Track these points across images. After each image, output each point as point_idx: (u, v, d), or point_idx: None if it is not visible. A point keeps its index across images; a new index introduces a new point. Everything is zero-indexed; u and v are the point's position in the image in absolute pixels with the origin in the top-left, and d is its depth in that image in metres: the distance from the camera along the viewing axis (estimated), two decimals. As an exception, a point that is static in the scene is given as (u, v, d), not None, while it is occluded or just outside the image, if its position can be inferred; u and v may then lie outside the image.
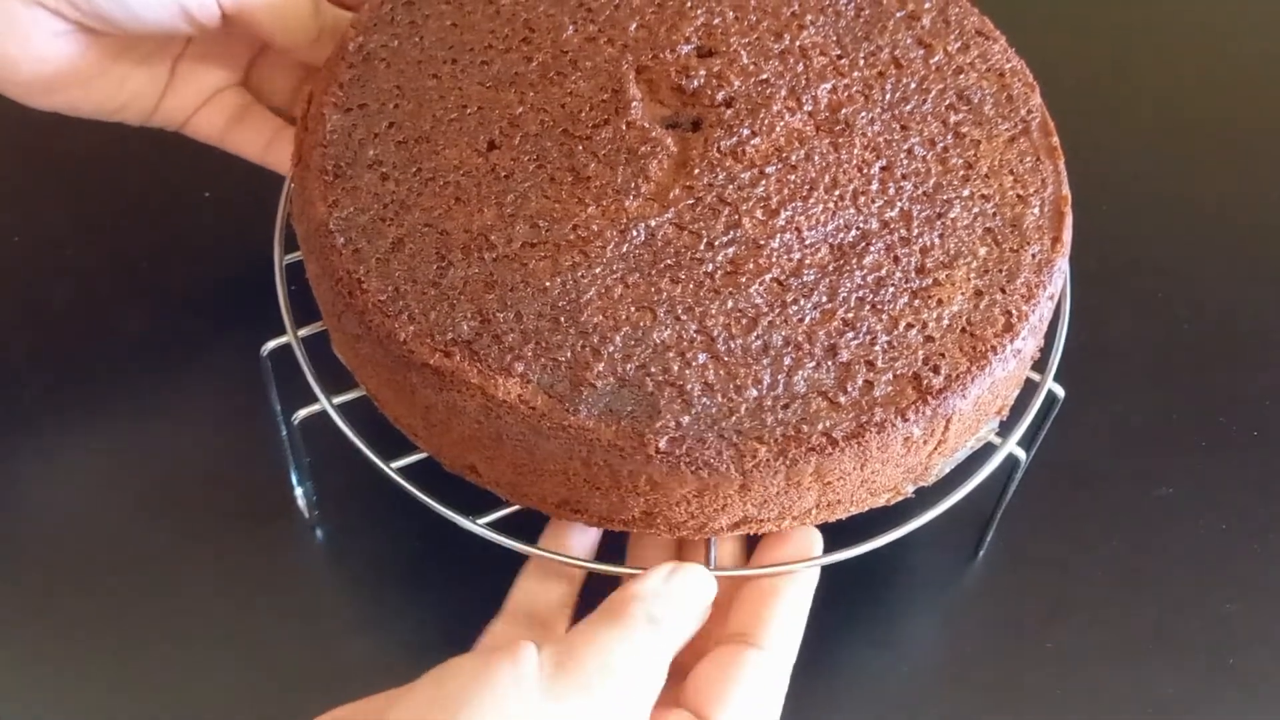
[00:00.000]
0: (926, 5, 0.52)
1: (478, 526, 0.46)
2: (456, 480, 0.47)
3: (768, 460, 0.42)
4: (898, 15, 0.52)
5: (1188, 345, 0.63)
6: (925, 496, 0.47)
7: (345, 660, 0.52)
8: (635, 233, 0.44)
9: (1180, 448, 0.60)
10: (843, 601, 0.52)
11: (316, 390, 0.48)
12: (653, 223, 0.45)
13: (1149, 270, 0.65)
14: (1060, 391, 0.50)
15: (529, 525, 0.47)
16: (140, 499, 0.56)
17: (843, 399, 0.43)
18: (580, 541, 0.47)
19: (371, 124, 0.47)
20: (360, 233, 0.45)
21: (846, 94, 0.49)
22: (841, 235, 0.45)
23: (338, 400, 0.48)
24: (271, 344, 0.49)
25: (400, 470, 0.47)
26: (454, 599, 0.53)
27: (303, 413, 0.48)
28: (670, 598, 0.43)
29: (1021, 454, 0.49)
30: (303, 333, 0.49)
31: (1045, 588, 0.56)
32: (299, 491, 0.55)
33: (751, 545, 0.47)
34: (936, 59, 0.51)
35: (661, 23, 0.50)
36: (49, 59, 0.51)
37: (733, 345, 0.43)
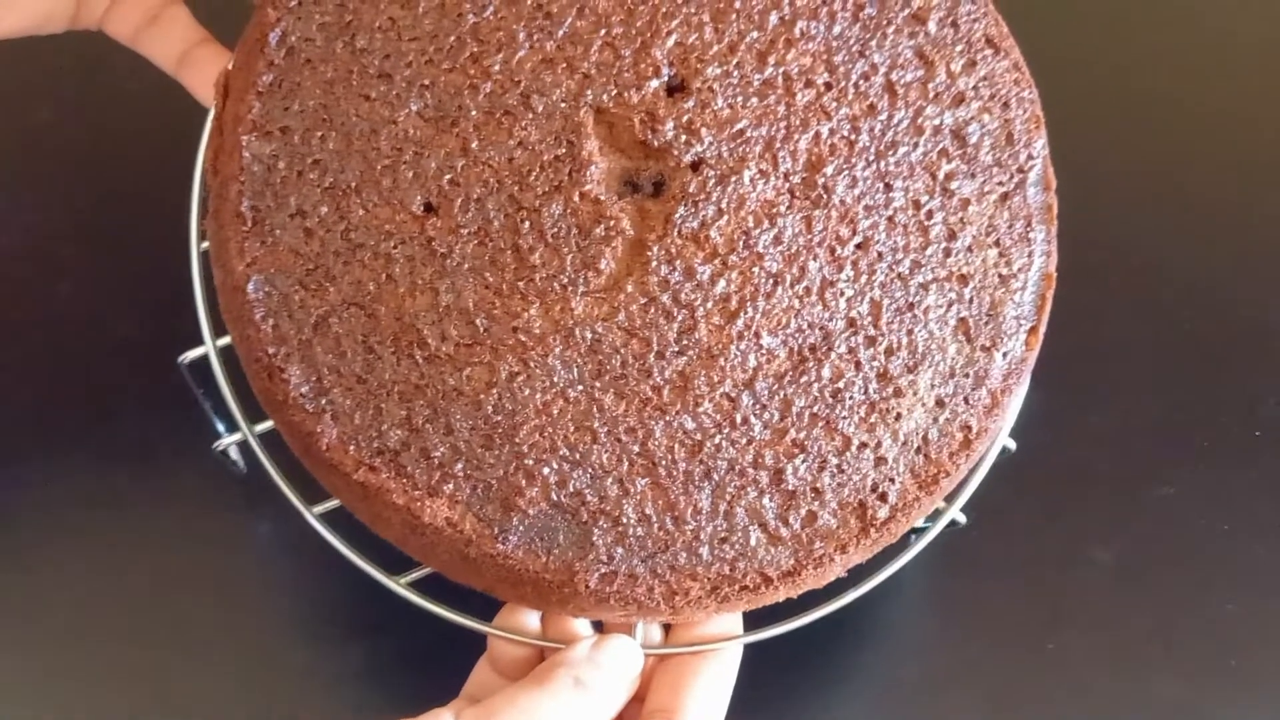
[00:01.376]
0: (935, 1, 0.46)
1: (400, 588, 0.45)
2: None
3: (699, 598, 0.41)
4: (901, 15, 0.45)
5: (1188, 345, 0.61)
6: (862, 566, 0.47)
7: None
8: (580, 338, 0.41)
9: (1181, 448, 0.59)
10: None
11: (238, 416, 0.45)
12: (599, 328, 0.41)
13: (1150, 269, 0.62)
14: (1012, 445, 0.48)
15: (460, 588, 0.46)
16: (138, 499, 0.55)
17: (784, 531, 0.41)
18: (534, 620, 0.45)
19: (294, 159, 0.42)
20: (281, 303, 0.41)
21: (829, 144, 0.44)
22: (802, 337, 0.42)
23: (261, 428, 0.46)
24: (190, 355, 0.46)
25: (323, 516, 0.45)
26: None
27: (225, 441, 0.46)
28: (598, 664, 0.43)
29: (963, 518, 0.48)
30: (223, 342, 0.46)
31: (1046, 588, 0.56)
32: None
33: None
34: (936, 82, 0.45)
35: (629, 41, 0.43)
36: None
37: (674, 471, 0.41)
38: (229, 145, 0.43)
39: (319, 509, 0.45)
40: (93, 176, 0.61)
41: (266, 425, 0.45)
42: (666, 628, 0.45)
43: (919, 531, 0.47)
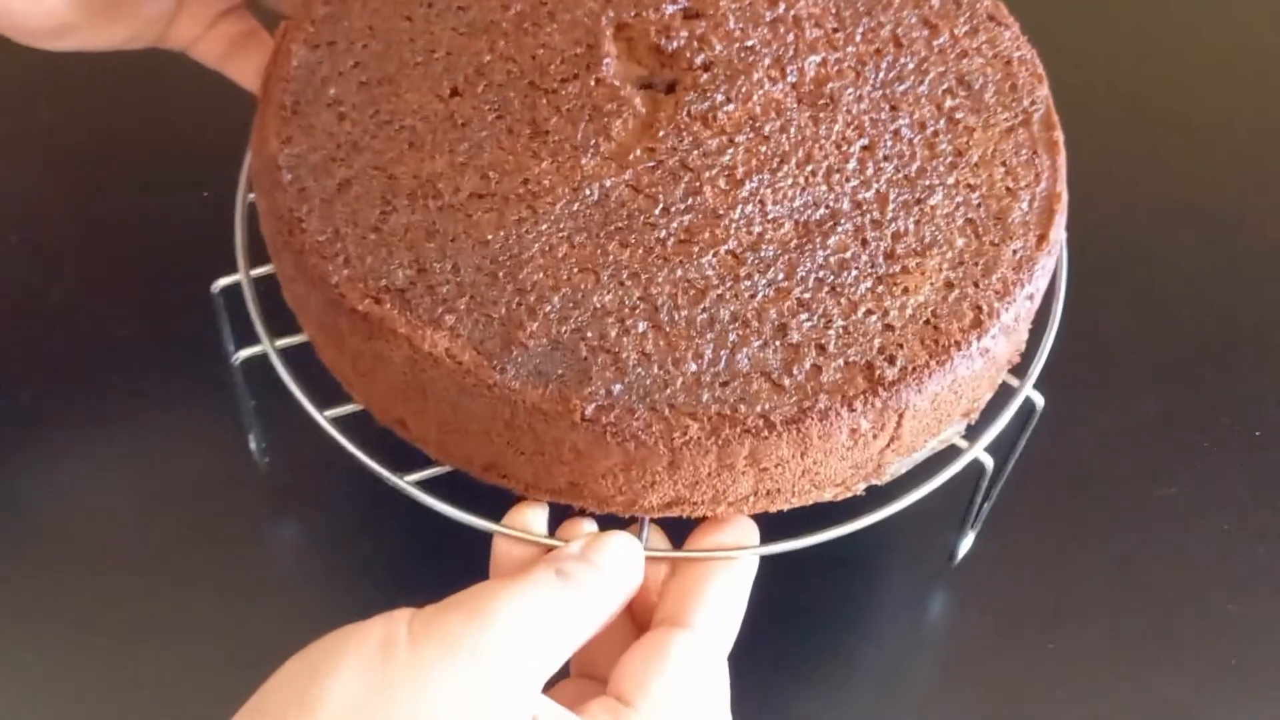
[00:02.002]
0: (938, -18, 0.50)
1: (405, 484, 0.44)
2: (396, 435, 0.45)
3: (698, 439, 0.40)
4: (906, -9, 0.49)
5: (1188, 345, 0.61)
6: (880, 496, 0.45)
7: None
8: (588, 192, 0.42)
9: (1182, 447, 0.58)
10: (842, 600, 0.53)
11: (260, 331, 0.47)
12: (608, 183, 0.43)
13: (1150, 269, 0.63)
14: (1039, 400, 0.47)
15: (467, 485, 0.44)
16: (136, 498, 0.55)
17: (787, 381, 0.40)
18: (541, 521, 0.43)
19: (337, 62, 0.46)
20: (309, 171, 0.43)
21: (836, 69, 0.46)
22: (809, 212, 0.43)
23: (282, 343, 0.47)
24: (223, 281, 0.48)
25: (335, 420, 0.45)
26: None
27: (244, 353, 0.47)
28: (589, 559, 0.40)
29: (989, 460, 0.46)
30: (256, 272, 0.48)
31: (1046, 588, 0.55)
32: (250, 436, 0.54)
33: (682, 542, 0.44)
34: (941, 40, 0.48)
35: (649, -23, 0.47)
36: (57, 9, 0.50)
37: (676, 316, 0.41)
38: (280, 60, 0.47)
39: (330, 413, 0.45)
40: (93, 177, 0.62)
41: (290, 340, 0.46)
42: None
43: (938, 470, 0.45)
